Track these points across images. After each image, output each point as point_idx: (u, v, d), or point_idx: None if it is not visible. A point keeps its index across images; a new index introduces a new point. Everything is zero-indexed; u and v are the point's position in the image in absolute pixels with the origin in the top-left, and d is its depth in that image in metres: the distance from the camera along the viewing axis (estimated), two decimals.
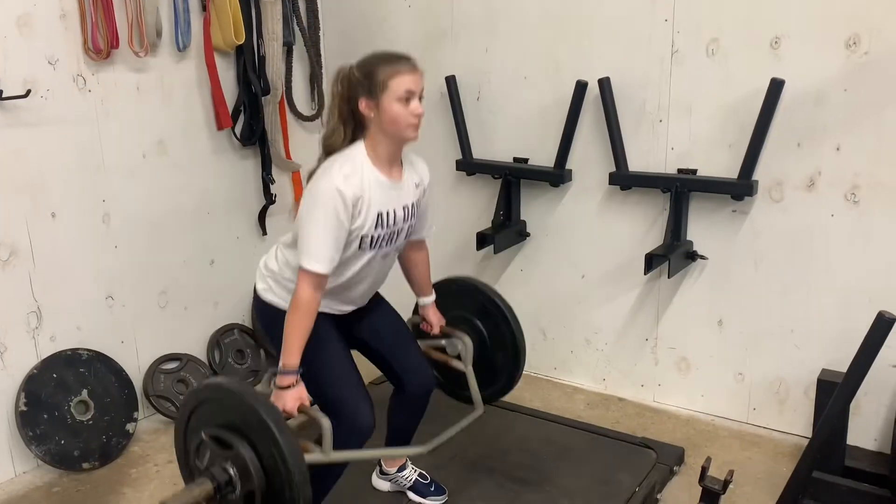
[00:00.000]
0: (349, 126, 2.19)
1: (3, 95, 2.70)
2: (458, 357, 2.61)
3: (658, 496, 2.73)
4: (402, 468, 2.69)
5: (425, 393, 2.50)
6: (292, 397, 2.13)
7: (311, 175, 2.21)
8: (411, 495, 2.68)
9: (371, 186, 2.14)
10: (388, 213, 2.20)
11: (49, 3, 2.86)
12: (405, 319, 2.62)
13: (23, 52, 2.80)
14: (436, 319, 2.63)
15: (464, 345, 2.60)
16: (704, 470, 2.38)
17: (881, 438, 2.93)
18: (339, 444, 2.16)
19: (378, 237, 2.20)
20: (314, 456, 2.10)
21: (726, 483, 2.35)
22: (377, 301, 2.51)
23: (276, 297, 2.30)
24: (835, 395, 1.77)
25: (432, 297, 2.64)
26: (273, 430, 1.91)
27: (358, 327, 2.43)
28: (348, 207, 2.08)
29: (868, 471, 2.69)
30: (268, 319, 2.35)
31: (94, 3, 2.93)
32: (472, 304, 2.74)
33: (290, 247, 2.25)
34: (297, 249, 2.13)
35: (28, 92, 2.76)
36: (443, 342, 2.64)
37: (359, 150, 2.17)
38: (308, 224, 2.09)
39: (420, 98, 2.16)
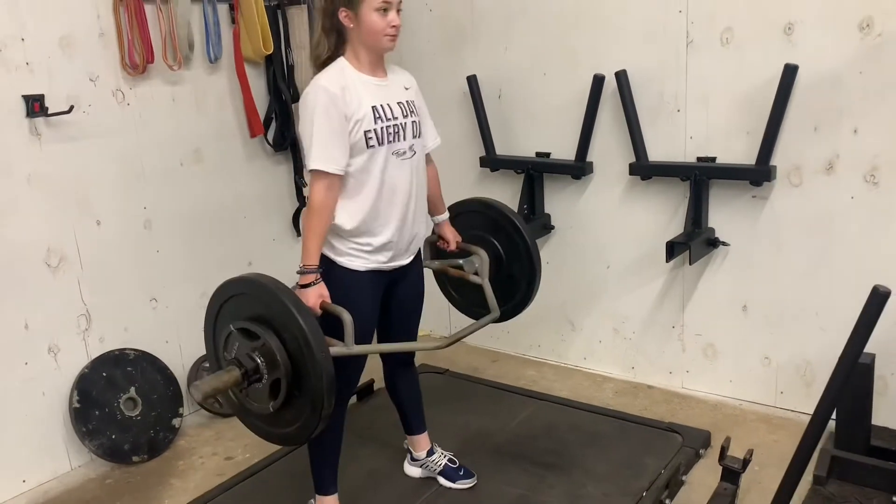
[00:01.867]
0: (332, 37, 2.29)
1: (49, 112, 2.87)
2: (476, 273, 2.68)
3: (683, 478, 2.78)
4: (430, 452, 2.80)
5: (409, 359, 2.72)
6: (314, 294, 2.22)
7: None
8: (441, 480, 2.78)
9: (355, 83, 2.24)
10: (382, 107, 2.28)
11: (88, 23, 3.04)
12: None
13: (66, 71, 2.98)
14: (451, 236, 2.71)
15: (480, 259, 2.68)
16: (724, 450, 2.45)
17: None
18: (340, 398, 2.28)
19: (382, 130, 2.26)
20: (337, 349, 2.18)
21: (746, 462, 2.41)
22: (415, 266, 2.55)
23: (331, 250, 2.35)
24: (834, 369, 1.82)
25: (446, 215, 2.72)
26: (297, 317, 2.03)
27: (390, 290, 2.49)
28: (336, 99, 2.17)
29: (893, 449, 2.70)
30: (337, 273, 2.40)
31: (130, 21, 3.09)
32: (484, 221, 2.81)
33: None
34: (304, 158, 2.23)
35: (71, 108, 2.93)
36: (460, 261, 2.71)
37: (340, 60, 2.29)
38: (306, 129, 2.21)
39: (398, 11, 2.25)
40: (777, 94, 2.90)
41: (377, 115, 2.25)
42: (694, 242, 3.09)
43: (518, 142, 3.66)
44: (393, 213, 2.36)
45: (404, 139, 2.33)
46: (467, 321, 2.66)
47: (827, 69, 2.85)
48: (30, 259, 2.96)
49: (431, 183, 2.62)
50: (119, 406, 3.18)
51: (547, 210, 3.64)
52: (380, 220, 2.34)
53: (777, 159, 3.00)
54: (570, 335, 3.77)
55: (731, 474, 2.41)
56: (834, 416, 2.77)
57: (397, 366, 2.69)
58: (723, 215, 3.20)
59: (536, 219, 3.59)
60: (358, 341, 2.27)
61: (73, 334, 3.12)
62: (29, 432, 3.01)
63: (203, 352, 3.54)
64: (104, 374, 3.17)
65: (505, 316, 2.73)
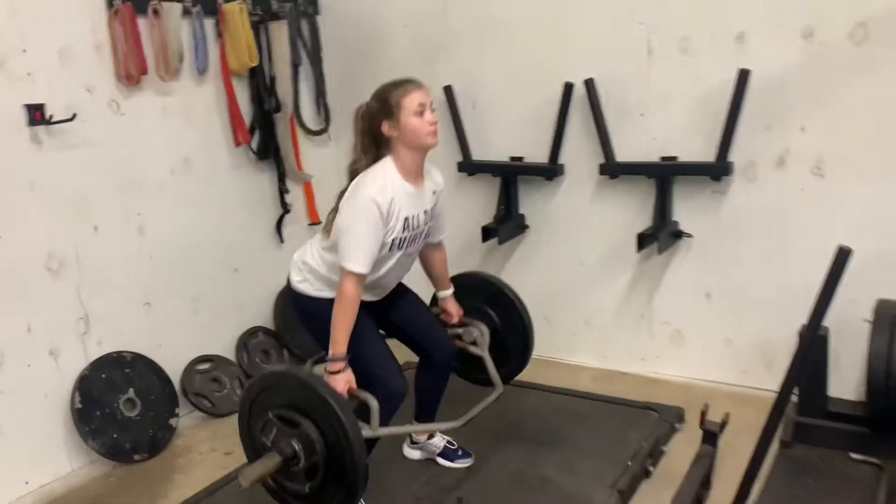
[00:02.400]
0: (370, 154, 2.51)
1: (53, 120, 2.97)
2: (474, 343, 2.91)
3: (663, 448, 3.02)
4: (431, 435, 2.96)
5: (449, 360, 2.83)
6: (343, 381, 2.43)
7: (341, 194, 2.50)
8: (441, 461, 2.96)
9: (400, 195, 2.45)
10: (413, 217, 2.52)
11: (85, 36, 3.16)
12: None
13: (65, 82, 3.09)
14: (455, 310, 2.94)
15: (480, 332, 2.92)
16: (703, 415, 2.68)
17: (859, 388, 3.23)
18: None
19: (405, 239, 2.52)
20: (364, 432, 2.35)
21: (723, 424, 2.65)
22: (402, 289, 2.81)
23: (311, 287, 2.59)
24: (807, 323, 2.07)
25: (451, 291, 2.95)
26: (336, 409, 2.21)
27: (388, 312, 2.73)
28: (383, 214, 2.40)
29: (848, 413, 2.99)
30: (302, 305, 2.64)
31: (125, 34, 3.22)
32: (483, 295, 3.05)
33: (327, 249, 2.54)
34: (339, 253, 2.42)
35: (74, 116, 3.05)
36: (459, 331, 2.94)
37: (388, 165, 2.48)
38: (350, 232, 2.39)
39: (432, 109, 2.48)
40: (732, 97, 3.19)
41: (406, 226, 2.49)
42: (661, 234, 3.35)
43: (493, 147, 3.89)
44: (381, 285, 2.64)
45: (417, 243, 2.61)
46: None
47: (776, 73, 3.16)
48: (32, 264, 3.05)
49: (440, 265, 2.88)
50: (119, 407, 3.26)
51: (522, 210, 3.88)
52: (369, 291, 2.60)
53: (734, 156, 3.29)
54: (546, 329, 3.97)
55: (711, 436, 2.64)
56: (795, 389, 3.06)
57: (437, 369, 2.85)
58: (686, 209, 3.47)
59: (513, 218, 3.82)
60: (376, 355, 2.53)
61: (73, 337, 3.20)
62: (31, 434, 3.07)
63: (194, 355, 3.68)
64: (104, 376, 3.25)
65: (505, 380, 2.96)
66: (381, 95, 2.46)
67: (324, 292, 2.55)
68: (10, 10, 2.90)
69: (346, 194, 2.46)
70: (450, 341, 2.84)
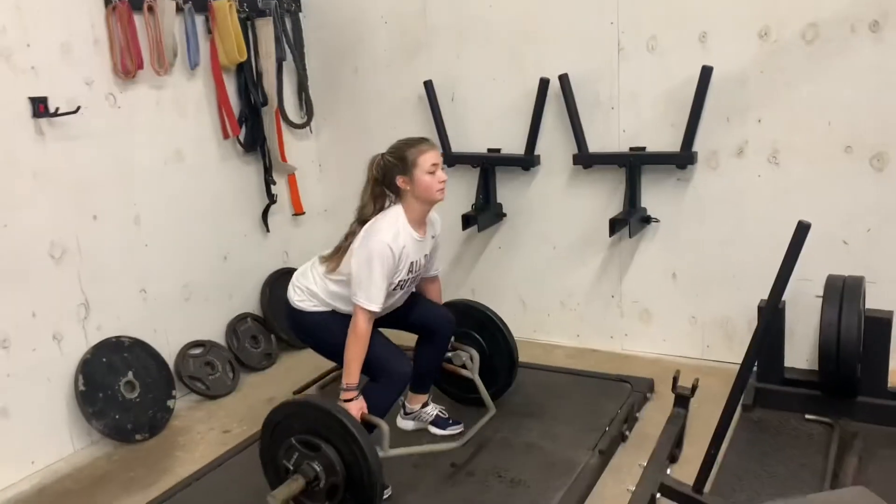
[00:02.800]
0: (379, 202, 2.79)
1: (59, 112, 3.09)
2: (464, 367, 3.16)
3: (637, 415, 3.27)
4: (424, 405, 3.17)
5: (451, 329, 3.10)
6: (356, 407, 2.66)
7: (349, 234, 2.77)
8: (432, 429, 3.17)
9: (409, 244, 2.74)
10: (416, 262, 2.81)
11: (83, 31, 3.27)
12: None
13: (66, 75, 3.21)
14: None
15: (470, 357, 3.18)
16: (675, 380, 2.94)
17: (812, 358, 3.53)
18: (384, 392, 2.73)
19: (407, 280, 2.83)
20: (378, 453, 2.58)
21: (694, 388, 2.91)
22: None
23: (309, 304, 2.83)
24: (769, 294, 2.32)
25: None
26: (355, 433, 2.45)
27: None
28: (395, 259, 2.68)
29: (802, 380, 3.28)
30: (300, 319, 2.87)
31: (122, 29, 3.34)
32: (471, 321, 3.32)
33: (333, 281, 2.78)
34: (354, 293, 2.66)
35: (78, 108, 3.16)
36: (450, 355, 3.19)
37: (399, 214, 2.74)
38: (365, 273, 2.64)
39: (442, 168, 2.76)
40: (696, 92, 3.46)
41: (410, 269, 2.77)
42: (632, 219, 3.61)
43: (472, 139, 4.10)
44: (385, 311, 2.86)
45: (416, 282, 2.91)
46: None
47: (735, 70, 3.43)
48: (36, 251, 3.16)
49: (433, 293, 3.15)
50: (119, 389, 3.39)
51: (499, 199, 4.10)
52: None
53: (697, 146, 3.56)
54: (522, 311, 4.22)
55: (683, 400, 2.90)
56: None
57: (443, 336, 3.08)
58: (653, 196, 3.74)
59: (491, 207, 4.04)
60: (379, 345, 2.78)
61: (74, 322, 3.32)
62: (36, 415, 3.19)
63: (187, 340, 3.82)
64: (104, 360, 3.37)
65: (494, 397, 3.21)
66: (398, 152, 2.73)
67: (320, 308, 2.81)
68: (14, 7, 3.00)
69: (361, 238, 2.70)
70: (448, 313, 3.10)
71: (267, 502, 2.40)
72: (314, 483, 2.49)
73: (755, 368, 3.32)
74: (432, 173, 2.71)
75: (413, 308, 3.04)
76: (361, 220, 2.78)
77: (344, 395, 2.68)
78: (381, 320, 2.89)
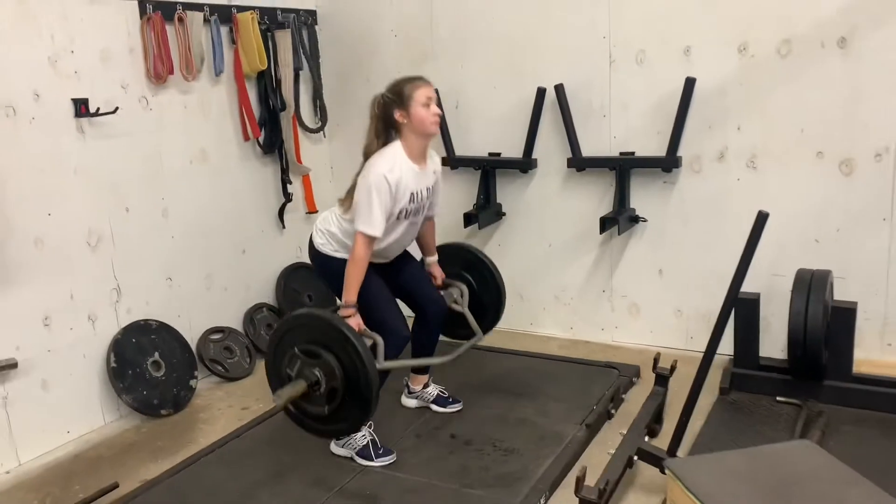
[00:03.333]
0: (381, 139, 3.03)
1: (99, 112, 3.41)
2: (456, 302, 3.42)
3: (623, 397, 3.55)
4: (426, 385, 3.46)
5: (441, 315, 3.34)
6: (353, 323, 2.90)
7: (357, 174, 3.01)
8: (434, 407, 3.45)
9: (406, 174, 2.97)
10: (417, 192, 3.03)
11: (121, 39, 3.59)
12: None
13: (104, 80, 3.52)
14: (438, 273, 3.46)
15: (460, 291, 3.44)
16: (656, 361, 3.23)
17: (786, 349, 3.81)
18: (385, 350, 2.94)
19: (410, 210, 3.04)
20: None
21: (673, 368, 3.20)
22: (408, 256, 3.33)
23: (330, 249, 3.09)
24: (731, 281, 2.61)
25: (436, 257, 3.47)
26: (353, 340, 2.71)
27: (395, 274, 3.23)
28: (392, 188, 2.91)
29: (776, 366, 3.56)
30: (321, 261, 3.14)
31: (155, 39, 3.67)
32: (462, 261, 3.58)
33: (346, 220, 3.03)
34: (355, 220, 2.92)
35: (116, 109, 3.48)
36: (442, 292, 3.44)
37: (397, 148, 2.99)
38: (364, 202, 2.89)
39: (437, 104, 3.01)
40: (680, 101, 3.76)
41: (411, 199, 3.00)
42: (621, 218, 3.90)
43: (474, 144, 4.41)
44: (392, 248, 3.15)
45: (421, 213, 3.13)
46: None
47: (716, 81, 3.74)
48: (75, 239, 3.46)
49: (429, 234, 3.39)
50: (147, 367, 3.68)
51: (499, 199, 4.40)
52: (379, 255, 3.12)
53: (682, 151, 3.86)
54: (519, 305, 4.51)
55: (662, 379, 3.19)
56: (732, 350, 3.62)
57: (429, 326, 3.34)
58: (641, 197, 4.03)
59: (491, 207, 4.34)
60: (383, 304, 3.04)
61: (107, 305, 3.62)
62: (72, 389, 3.48)
63: (208, 326, 4.12)
64: (133, 340, 3.67)
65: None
66: (395, 88, 2.98)
67: (339, 253, 3.06)
68: (61, 17, 3.33)
69: (362, 172, 2.96)
70: (442, 300, 3.35)
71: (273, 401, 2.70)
72: (315, 386, 2.74)
73: (732, 356, 3.63)
74: (427, 106, 2.94)
75: (415, 281, 3.29)
76: (367, 156, 3.02)
77: (343, 312, 2.90)
78: (389, 283, 3.13)
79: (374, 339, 2.90)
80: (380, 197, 2.88)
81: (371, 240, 2.92)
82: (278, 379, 2.89)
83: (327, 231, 3.10)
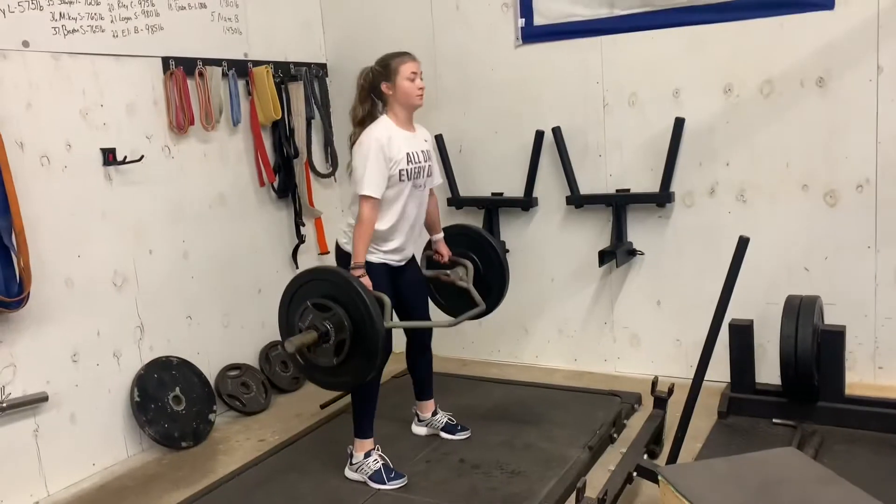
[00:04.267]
0: (366, 104, 3.24)
1: (127, 160, 3.65)
2: (461, 279, 3.56)
3: (625, 422, 3.69)
4: (434, 413, 3.61)
5: (427, 342, 3.55)
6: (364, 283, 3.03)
7: (351, 146, 3.22)
8: (443, 434, 3.60)
9: (396, 135, 3.16)
10: (412, 152, 3.19)
11: (146, 93, 3.86)
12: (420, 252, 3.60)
13: (130, 130, 3.78)
14: (445, 251, 3.62)
15: (465, 268, 3.59)
16: (654, 385, 3.38)
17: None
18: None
19: (410, 170, 3.18)
20: None
21: (670, 391, 3.35)
22: (412, 264, 3.45)
23: (350, 245, 3.20)
24: (717, 303, 2.79)
25: (441, 234, 3.63)
26: (364, 296, 2.88)
27: (400, 278, 3.35)
28: (384, 147, 3.08)
29: (771, 390, 3.69)
30: (346, 260, 3.24)
31: (178, 92, 3.93)
32: (468, 241, 3.72)
33: (355, 214, 3.17)
34: (354, 185, 3.10)
35: (142, 157, 3.73)
36: (448, 271, 3.59)
37: (384, 119, 3.21)
38: (360, 166, 3.09)
39: (421, 77, 3.21)
40: (671, 140, 3.98)
41: (409, 159, 3.19)
42: (618, 251, 4.09)
43: (477, 184, 4.64)
44: (404, 226, 3.28)
45: (422, 177, 3.28)
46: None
47: (704, 121, 3.96)
48: (102, 279, 3.67)
49: (432, 209, 3.54)
50: (168, 402, 3.85)
51: (503, 237, 4.60)
52: (397, 230, 3.25)
53: (675, 187, 4.07)
54: (524, 338, 4.68)
55: (660, 401, 3.33)
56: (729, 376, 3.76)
57: (418, 347, 3.55)
58: (638, 231, 4.23)
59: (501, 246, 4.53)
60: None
61: (131, 342, 3.81)
62: (98, 422, 3.65)
63: (226, 362, 4.30)
64: (155, 376, 3.85)
65: (483, 314, 3.58)
66: (383, 62, 3.21)
67: (367, 255, 3.16)
68: (92, 73, 3.60)
69: (354, 146, 3.16)
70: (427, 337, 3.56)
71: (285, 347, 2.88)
72: (325, 337, 2.89)
73: (728, 381, 3.78)
74: (412, 80, 3.14)
75: (414, 297, 3.42)
76: (353, 121, 3.22)
77: (354, 273, 3.03)
78: (394, 293, 3.22)
79: (381, 298, 3.03)
80: (374, 157, 3.06)
81: (373, 201, 3.07)
82: (289, 332, 3.05)
83: (349, 226, 3.23)
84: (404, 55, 3.21)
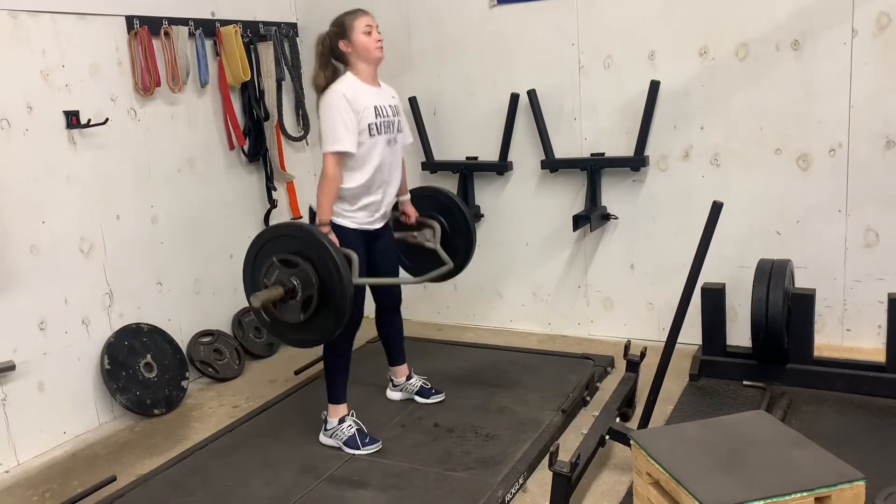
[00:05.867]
0: (327, 70, 3.18)
1: (91, 123, 3.55)
2: (429, 240, 3.54)
3: (598, 385, 3.73)
4: (409, 377, 3.61)
5: (396, 305, 3.54)
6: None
7: (318, 105, 3.15)
8: (418, 398, 3.60)
9: (362, 90, 3.11)
10: (379, 106, 3.15)
11: (109, 53, 3.74)
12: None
13: (94, 92, 3.67)
14: (411, 212, 3.57)
15: (433, 229, 3.56)
16: (627, 348, 3.40)
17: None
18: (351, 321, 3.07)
19: (380, 124, 3.12)
20: None
21: (643, 354, 3.37)
22: (387, 231, 3.38)
23: (336, 217, 3.15)
24: (690, 267, 2.80)
25: (409, 196, 3.57)
26: (332, 252, 2.84)
27: (373, 247, 3.29)
28: (349, 101, 3.04)
29: (742, 352, 3.74)
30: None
31: (143, 52, 3.82)
32: (436, 204, 3.67)
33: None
34: (321, 142, 3.05)
35: (107, 120, 3.62)
36: (415, 233, 3.57)
37: (347, 75, 3.16)
38: (326, 122, 3.05)
39: (378, 31, 3.16)
40: (646, 103, 3.96)
41: (377, 112, 3.12)
42: (592, 216, 4.08)
43: (452, 148, 4.59)
44: (379, 182, 3.21)
45: (393, 131, 3.21)
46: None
47: (679, 84, 3.94)
48: (68, 246, 3.60)
49: (401, 172, 3.45)
50: (139, 369, 3.81)
51: (477, 202, 4.57)
52: (373, 186, 3.19)
53: (649, 151, 4.06)
54: (499, 303, 4.69)
55: (633, 365, 3.36)
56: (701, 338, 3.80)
57: (387, 310, 3.53)
58: (612, 196, 4.22)
59: (469, 209, 4.50)
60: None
61: (100, 309, 3.75)
62: (68, 390, 3.60)
63: (198, 329, 4.25)
64: (126, 343, 3.80)
65: (450, 274, 3.57)
66: (337, 21, 3.16)
67: (337, 219, 3.12)
68: (53, 32, 3.47)
69: (320, 103, 3.11)
70: (399, 292, 3.53)
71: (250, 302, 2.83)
72: (292, 293, 2.86)
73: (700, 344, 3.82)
74: (368, 34, 3.10)
75: (384, 264, 3.35)
76: (318, 89, 3.16)
77: (321, 230, 2.99)
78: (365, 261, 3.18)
79: (349, 255, 3.00)
80: (340, 113, 3.02)
81: (338, 157, 3.03)
82: (254, 288, 3.00)
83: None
84: (357, 11, 3.16)
